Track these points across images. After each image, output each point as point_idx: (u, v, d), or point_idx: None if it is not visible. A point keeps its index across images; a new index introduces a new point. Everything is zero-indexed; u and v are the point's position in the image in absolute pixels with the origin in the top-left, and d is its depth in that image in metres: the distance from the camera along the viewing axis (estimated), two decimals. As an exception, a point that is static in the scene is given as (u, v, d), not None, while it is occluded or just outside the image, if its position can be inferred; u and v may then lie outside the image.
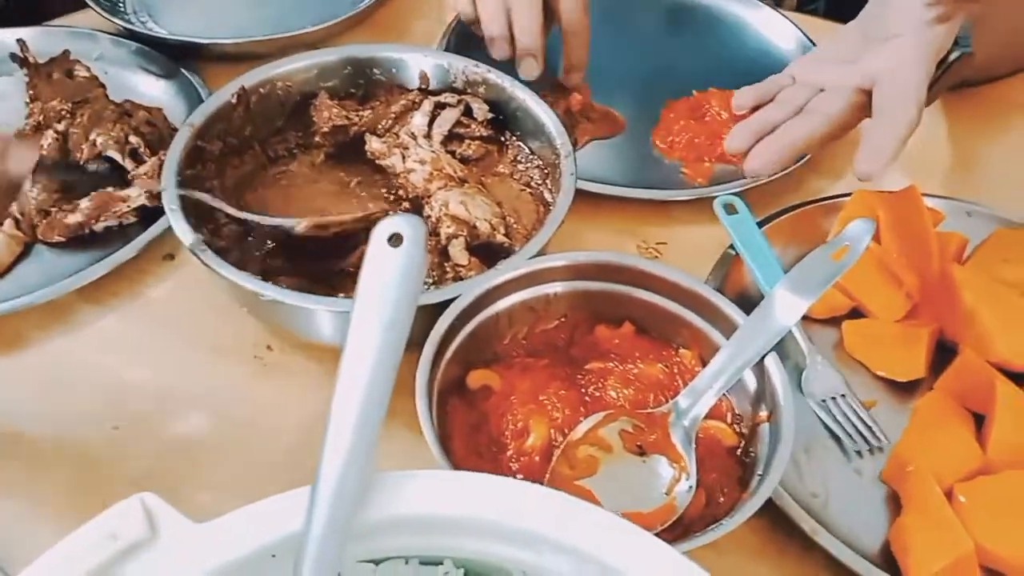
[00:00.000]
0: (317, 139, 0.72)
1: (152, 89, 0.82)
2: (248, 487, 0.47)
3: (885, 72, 0.67)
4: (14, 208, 0.69)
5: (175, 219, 0.60)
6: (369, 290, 0.40)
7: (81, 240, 0.69)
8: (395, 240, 0.41)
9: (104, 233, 0.69)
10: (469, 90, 0.74)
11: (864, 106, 0.69)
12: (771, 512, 0.54)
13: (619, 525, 0.36)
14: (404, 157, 0.68)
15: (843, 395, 0.61)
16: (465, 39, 0.85)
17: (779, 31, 0.90)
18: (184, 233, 0.59)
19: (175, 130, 0.75)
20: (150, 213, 0.70)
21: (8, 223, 0.68)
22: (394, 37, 0.90)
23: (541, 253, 0.61)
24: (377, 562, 0.38)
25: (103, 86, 0.78)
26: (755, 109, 0.76)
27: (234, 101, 0.69)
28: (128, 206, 0.69)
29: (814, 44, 0.86)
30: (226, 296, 0.63)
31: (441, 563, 0.38)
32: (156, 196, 0.68)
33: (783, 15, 0.91)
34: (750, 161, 0.71)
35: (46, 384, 0.61)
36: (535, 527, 0.36)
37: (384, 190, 0.69)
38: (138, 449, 0.58)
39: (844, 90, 0.69)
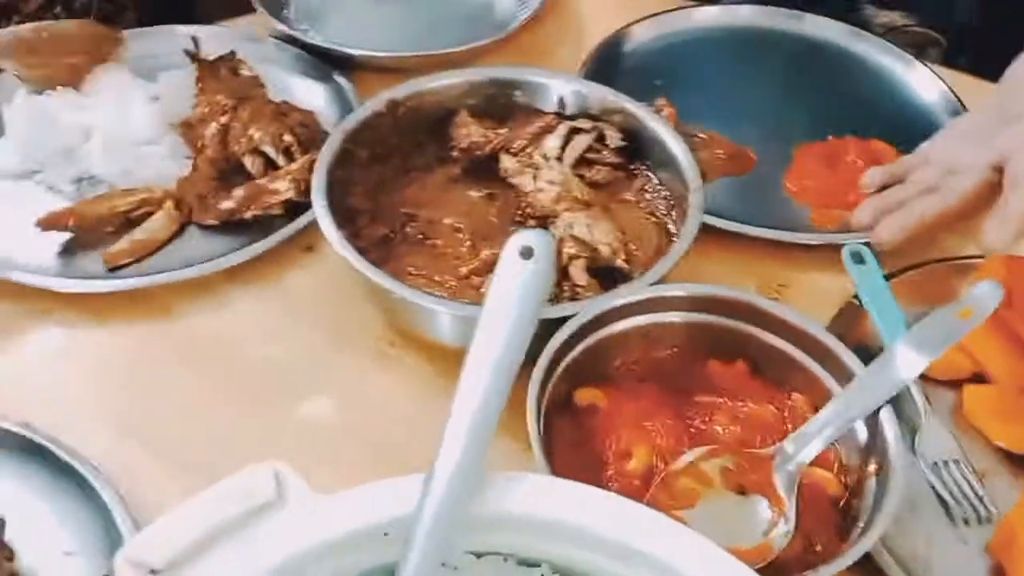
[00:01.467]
0: (454, 153, 0.75)
1: (306, 93, 0.87)
2: (360, 470, 0.50)
3: (1019, 147, 0.65)
4: (175, 191, 0.75)
5: (322, 215, 0.64)
6: (498, 297, 0.42)
7: (230, 225, 0.74)
8: (526, 253, 0.43)
9: (251, 221, 0.74)
10: (604, 117, 0.75)
11: (997, 184, 0.67)
12: (868, 569, 0.53)
13: (719, 555, 0.37)
14: (535, 177, 0.70)
15: (956, 460, 0.59)
16: (605, 67, 0.87)
17: (923, 83, 0.88)
18: (329, 229, 0.63)
19: (325, 133, 0.81)
20: (294, 207, 0.74)
21: (168, 204, 0.74)
22: (536, 61, 0.93)
23: (660, 282, 0.62)
24: (479, 555, 0.40)
25: (263, 86, 0.84)
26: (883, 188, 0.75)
27: (384, 111, 0.73)
28: (277, 199, 0.74)
29: (958, 98, 0.85)
30: (358, 290, 0.67)
31: (539, 565, 0.40)
32: (303, 192, 0.73)
33: (928, 67, 0.89)
34: (878, 232, 0.71)
35: (186, 353, 0.66)
36: (636, 543, 0.38)
37: (513, 208, 0.71)
38: (264, 421, 0.62)
39: (977, 168, 0.68)
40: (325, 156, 0.68)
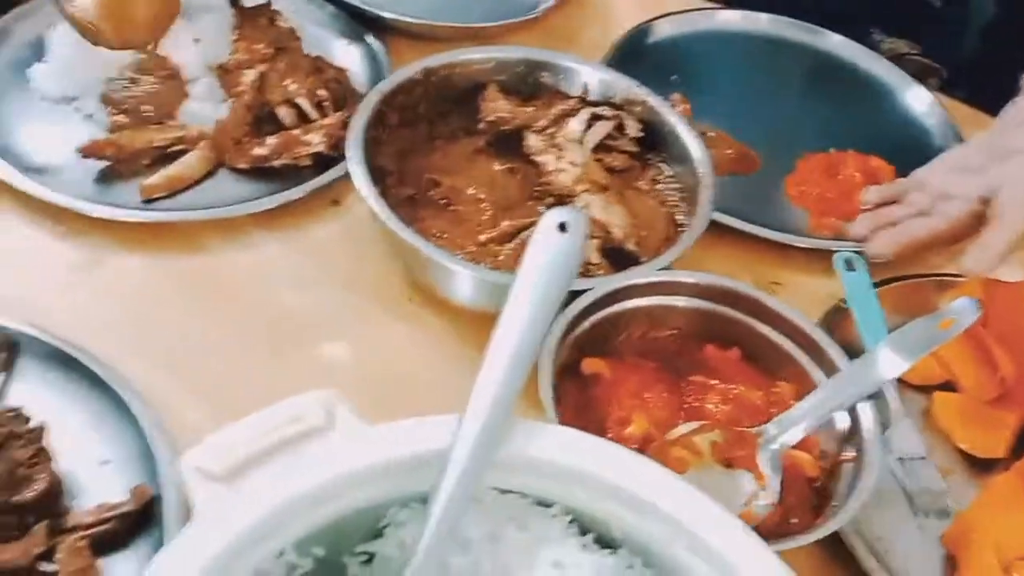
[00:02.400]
0: (480, 126, 0.79)
1: (338, 51, 0.90)
2: (372, 413, 0.54)
3: (1008, 183, 0.71)
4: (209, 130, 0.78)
5: (357, 171, 0.67)
6: (534, 265, 0.46)
7: (259, 171, 0.77)
8: (562, 227, 0.47)
9: (280, 169, 0.77)
10: (626, 107, 0.79)
11: (983, 215, 0.73)
12: (832, 548, 0.58)
13: (717, 511, 0.42)
14: (558, 157, 0.74)
15: (923, 457, 0.64)
16: (627, 57, 0.91)
17: (924, 108, 0.93)
18: (364, 184, 0.66)
19: (356, 92, 0.84)
20: (322, 160, 0.78)
21: (203, 144, 0.77)
22: (560, 44, 0.96)
23: (666, 268, 0.66)
24: (502, 491, 0.44)
25: (299, 39, 0.87)
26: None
27: (419, 78, 0.76)
28: (308, 150, 0.77)
29: (955, 127, 0.90)
30: (380, 246, 0.71)
31: (551, 506, 0.44)
32: (333, 146, 0.76)
33: (932, 94, 0.94)
34: (872, 245, 0.76)
35: (215, 288, 0.70)
36: (647, 495, 0.42)
37: (533, 183, 0.75)
38: (285, 360, 0.66)
39: (967, 198, 0.74)
40: (362, 114, 0.72)
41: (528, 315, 0.45)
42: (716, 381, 0.63)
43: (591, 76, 0.80)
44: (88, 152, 0.74)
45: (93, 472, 0.56)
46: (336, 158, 0.77)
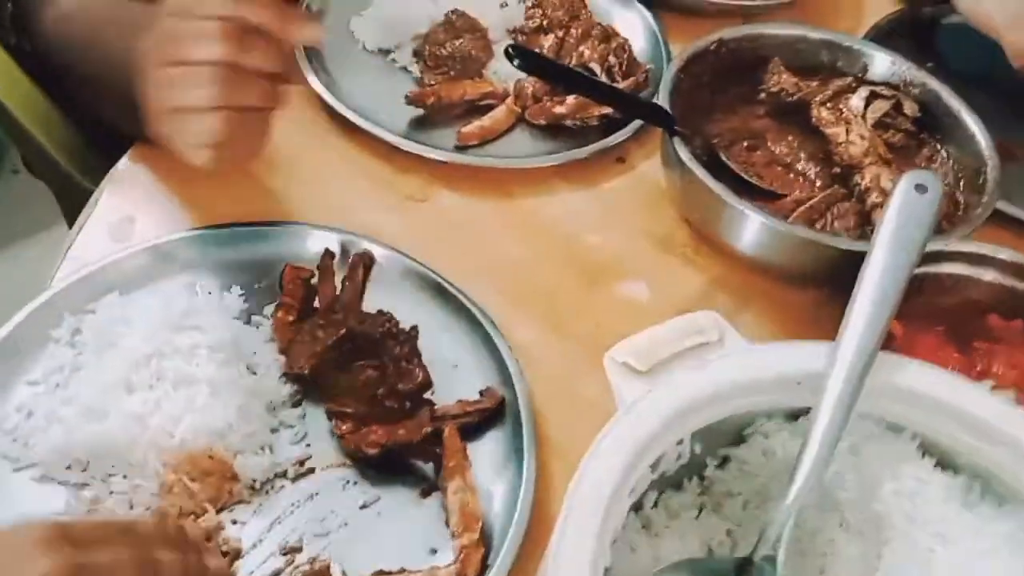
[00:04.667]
0: (760, 97, 0.84)
1: (619, 22, 0.96)
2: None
3: None
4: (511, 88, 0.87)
5: (669, 134, 0.74)
6: (895, 221, 0.52)
7: (551, 128, 0.85)
8: (921, 188, 0.53)
9: (570, 128, 0.85)
10: (903, 88, 0.83)
11: None
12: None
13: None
14: (848, 130, 0.79)
15: None
16: (884, 38, 0.94)
17: None
18: (680, 146, 0.73)
19: (636, 60, 0.91)
20: (609, 122, 0.85)
21: (510, 100, 0.85)
22: (820, 20, 1.00)
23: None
24: (860, 415, 0.50)
25: (587, 7, 0.94)
26: None
27: (711, 49, 0.82)
28: (598, 112, 0.85)
29: None
30: (665, 203, 0.79)
31: (903, 431, 0.50)
32: (620, 108, 0.84)
33: None
34: None
35: (524, 230, 0.78)
36: (999, 424, 0.48)
37: (819, 153, 0.80)
38: (595, 292, 0.74)
39: None
40: (667, 83, 0.78)
41: (890, 261, 0.51)
42: (1000, 346, 0.67)
43: (874, 57, 0.84)
44: (414, 99, 0.83)
45: (447, 374, 0.66)
46: (620, 120, 0.84)
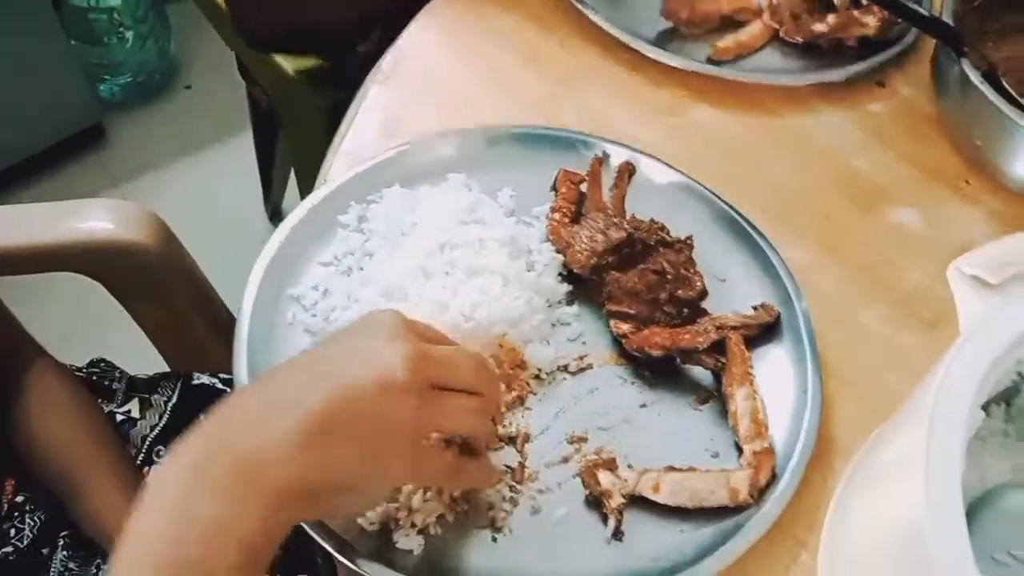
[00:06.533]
0: (1035, 24, 0.79)
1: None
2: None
3: None
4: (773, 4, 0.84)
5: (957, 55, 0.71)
6: None
7: (806, 47, 0.82)
8: None
9: (825, 47, 0.82)
10: None
11: None
12: None
13: None
14: None
15: None
16: None
17: None
18: (969, 67, 0.69)
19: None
20: (866, 43, 0.82)
21: (766, 15, 0.83)
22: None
23: None
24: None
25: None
26: None
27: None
28: (861, 31, 0.81)
29: None
30: (931, 129, 0.77)
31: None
32: (882, 30, 0.80)
33: None
34: None
35: (782, 146, 0.77)
36: None
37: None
38: (865, 216, 0.72)
39: None
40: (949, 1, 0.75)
41: None
42: None
43: None
44: (669, 11, 0.82)
45: (714, 286, 0.65)
46: (878, 42, 0.81)
